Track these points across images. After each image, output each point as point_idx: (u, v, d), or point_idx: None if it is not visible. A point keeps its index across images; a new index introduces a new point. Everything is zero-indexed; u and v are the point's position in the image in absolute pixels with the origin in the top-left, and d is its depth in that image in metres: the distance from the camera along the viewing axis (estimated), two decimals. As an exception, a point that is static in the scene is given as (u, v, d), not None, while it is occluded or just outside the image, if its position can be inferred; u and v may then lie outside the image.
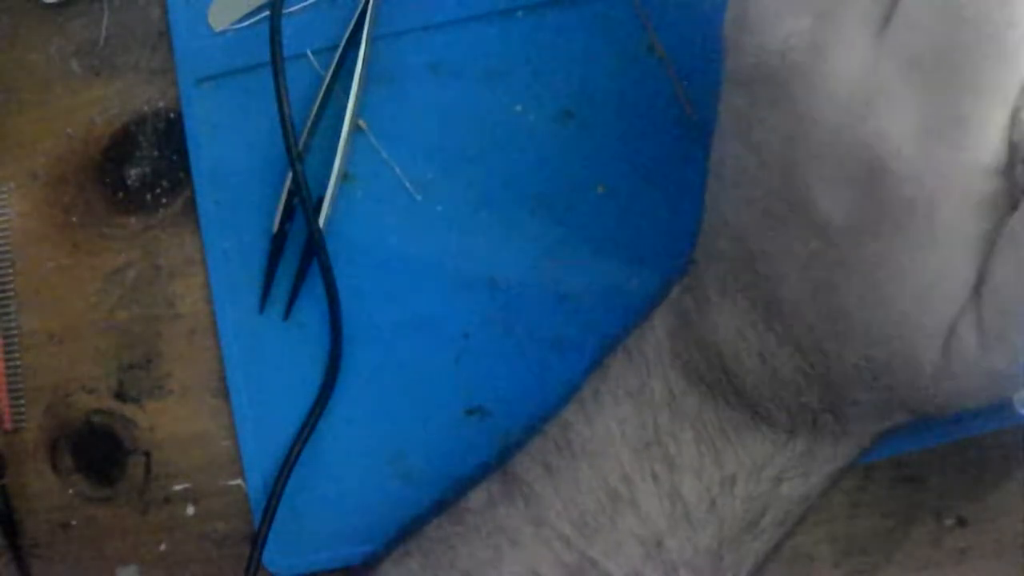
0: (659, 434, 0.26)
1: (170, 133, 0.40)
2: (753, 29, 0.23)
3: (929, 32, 0.20)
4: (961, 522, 0.34)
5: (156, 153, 0.40)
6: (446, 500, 0.30)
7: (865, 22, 0.21)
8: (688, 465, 0.26)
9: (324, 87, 0.37)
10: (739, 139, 0.24)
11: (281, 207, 0.37)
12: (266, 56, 0.35)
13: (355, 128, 0.37)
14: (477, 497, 0.29)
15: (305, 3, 0.39)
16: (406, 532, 0.31)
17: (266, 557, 0.36)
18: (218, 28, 0.39)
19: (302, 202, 0.35)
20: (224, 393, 0.38)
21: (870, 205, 0.21)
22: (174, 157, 0.39)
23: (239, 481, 0.38)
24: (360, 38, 0.37)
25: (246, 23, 0.39)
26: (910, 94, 0.20)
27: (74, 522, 0.39)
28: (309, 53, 0.38)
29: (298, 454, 0.36)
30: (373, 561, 0.31)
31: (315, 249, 0.36)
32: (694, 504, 0.26)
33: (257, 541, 0.34)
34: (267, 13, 0.36)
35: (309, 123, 0.37)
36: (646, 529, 0.26)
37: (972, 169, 0.20)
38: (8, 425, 0.39)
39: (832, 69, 0.21)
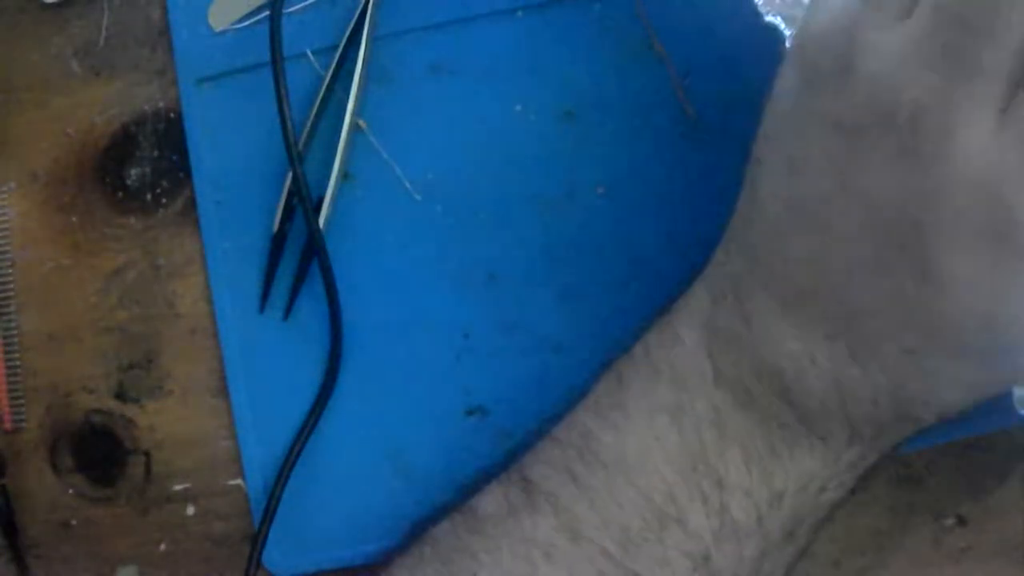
0: (705, 453, 0.26)
1: (170, 133, 0.40)
2: (869, 71, 0.22)
3: None
4: (961, 522, 0.34)
5: (156, 153, 0.40)
6: (451, 502, 0.30)
7: (992, 99, 0.21)
8: (737, 485, 0.26)
9: (324, 87, 0.37)
10: (832, 180, 0.23)
11: (281, 207, 0.37)
12: (266, 56, 0.35)
13: (355, 128, 0.37)
14: (494, 504, 0.29)
15: (305, 3, 0.39)
16: (412, 535, 0.30)
17: (266, 557, 0.36)
18: (218, 28, 0.39)
19: (302, 202, 0.35)
20: (224, 393, 0.38)
21: (996, 264, 0.22)
22: (174, 157, 0.39)
23: (239, 481, 0.38)
24: (360, 38, 0.37)
25: (246, 23, 0.39)
26: None
27: (74, 522, 0.39)
28: (309, 53, 0.38)
29: (298, 454, 0.36)
30: (380, 563, 0.31)
31: (315, 249, 0.36)
32: (742, 521, 0.26)
33: (257, 541, 0.34)
34: (267, 13, 0.36)
35: (309, 123, 0.37)
36: (694, 545, 0.26)
37: None
38: (8, 425, 0.39)
39: (965, 139, 0.21)
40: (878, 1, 0.23)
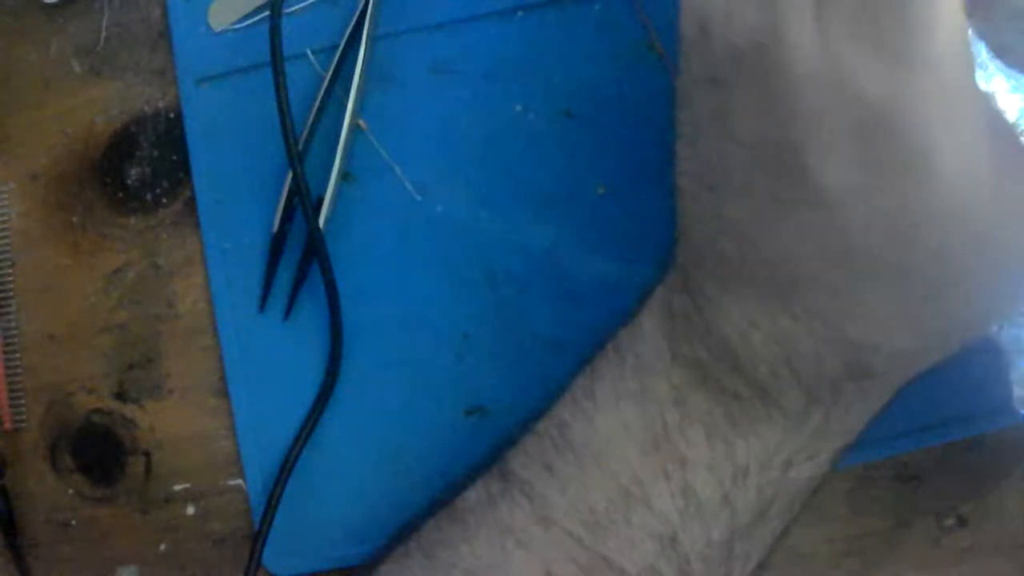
0: (668, 432, 0.27)
1: (170, 133, 0.40)
2: (716, 30, 0.24)
3: None
4: (961, 522, 0.34)
5: (156, 153, 0.40)
6: (440, 499, 0.31)
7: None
8: (700, 461, 0.26)
9: (324, 87, 0.37)
10: (721, 136, 0.24)
11: (281, 207, 0.37)
12: (266, 56, 0.35)
13: (355, 128, 0.37)
14: (475, 496, 0.29)
15: (305, 3, 0.39)
16: (402, 531, 0.31)
17: (266, 557, 0.36)
18: (218, 28, 0.39)
19: (302, 202, 0.35)
20: (224, 393, 0.38)
21: (869, 162, 0.22)
22: (174, 157, 0.40)
23: (239, 481, 0.38)
24: (360, 38, 0.37)
25: (246, 23, 0.39)
26: (865, 47, 0.21)
27: (74, 522, 0.39)
28: (309, 53, 0.38)
29: (298, 454, 0.36)
30: (372, 562, 0.31)
31: (315, 249, 0.36)
32: (707, 498, 0.26)
33: (257, 541, 0.34)
34: (267, 13, 0.36)
35: (309, 123, 0.37)
36: (660, 525, 0.26)
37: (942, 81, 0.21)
38: (8, 425, 0.39)
39: (795, 45, 0.22)
40: None
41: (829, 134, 0.22)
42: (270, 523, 0.35)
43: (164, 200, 0.40)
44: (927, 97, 0.21)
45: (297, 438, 0.36)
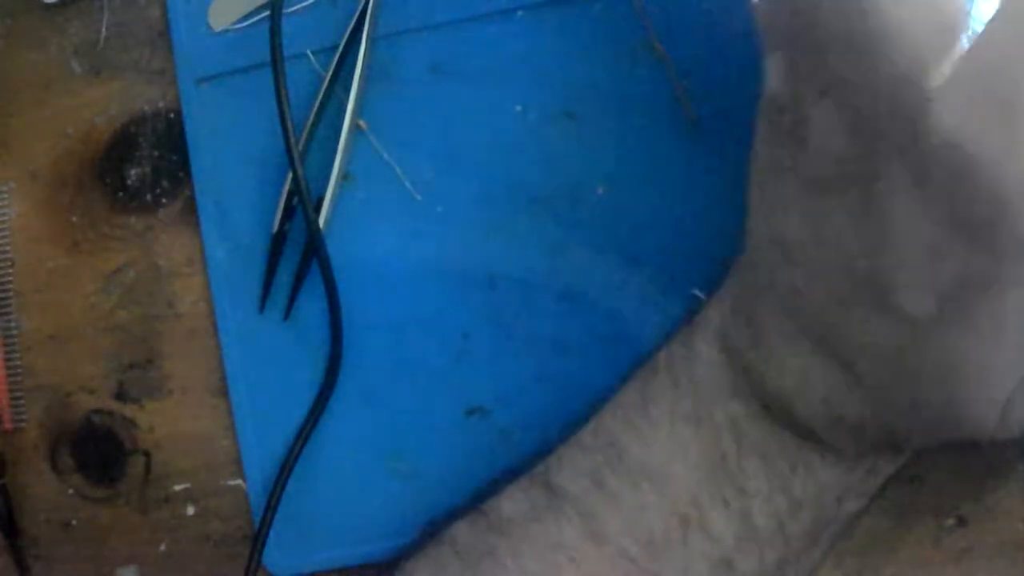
0: (726, 462, 0.27)
1: (170, 133, 0.40)
2: (819, 129, 0.24)
3: None
4: (961, 522, 0.34)
5: (156, 153, 0.40)
6: (463, 504, 0.30)
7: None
8: (757, 492, 0.27)
9: (324, 87, 0.37)
10: (804, 229, 0.25)
11: (281, 207, 0.37)
12: (266, 56, 0.35)
13: (355, 128, 0.37)
14: (515, 507, 0.29)
15: (305, 3, 0.39)
16: (430, 535, 0.31)
17: (266, 557, 0.36)
18: (218, 28, 0.39)
19: (302, 202, 0.35)
20: (224, 393, 0.38)
21: (953, 304, 0.23)
22: (174, 157, 0.39)
23: (239, 481, 0.38)
24: (360, 38, 0.37)
25: (246, 23, 0.39)
26: None
27: (74, 522, 0.39)
28: (309, 53, 0.38)
29: (298, 454, 0.36)
30: (386, 562, 0.31)
31: (315, 249, 0.36)
32: (763, 526, 0.27)
33: (257, 541, 0.34)
34: (267, 13, 0.36)
35: (309, 123, 0.37)
36: (716, 549, 0.27)
37: None
38: (8, 425, 0.39)
39: (896, 199, 0.23)
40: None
41: (916, 277, 0.23)
42: (270, 523, 0.35)
43: (164, 200, 0.40)
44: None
45: (297, 438, 0.36)
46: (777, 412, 0.27)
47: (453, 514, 0.30)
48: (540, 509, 0.29)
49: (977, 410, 0.24)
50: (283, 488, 0.35)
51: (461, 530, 0.30)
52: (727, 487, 0.27)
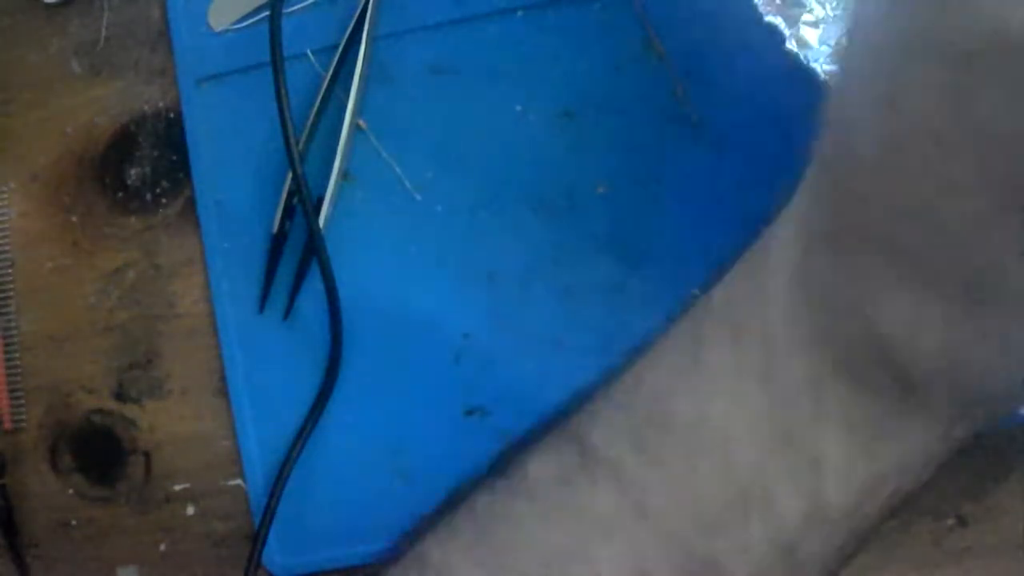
0: (801, 427, 0.23)
1: (170, 133, 0.40)
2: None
3: None
4: (961, 522, 0.34)
5: (156, 153, 0.40)
6: (494, 465, 0.27)
7: None
8: (835, 465, 0.23)
9: (324, 87, 0.37)
10: (941, 116, 0.19)
11: (281, 207, 0.37)
12: (266, 56, 0.35)
13: (355, 128, 0.37)
14: (543, 469, 0.25)
15: (305, 3, 0.39)
16: (449, 504, 0.27)
17: (266, 557, 0.36)
18: (218, 28, 0.39)
19: (302, 202, 0.35)
20: (224, 393, 0.38)
21: None
22: (174, 157, 0.39)
23: (239, 481, 0.38)
24: (360, 38, 0.37)
25: (246, 23, 0.39)
26: None
27: (74, 522, 0.39)
28: (309, 53, 0.38)
29: (298, 454, 0.36)
30: (414, 535, 0.28)
31: (315, 249, 0.36)
32: (835, 507, 0.23)
33: (257, 541, 0.34)
34: (267, 13, 0.36)
35: (309, 123, 0.37)
36: (780, 531, 0.23)
37: None
38: (8, 425, 0.39)
39: None
40: None
41: None
42: (270, 523, 0.35)
43: (164, 200, 0.40)
44: None
45: (296, 438, 0.36)
46: (869, 365, 0.22)
47: (475, 483, 0.27)
48: (570, 471, 0.24)
49: None
50: (283, 488, 0.35)
51: (480, 493, 0.26)
52: (799, 457, 0.23)
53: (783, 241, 0.23)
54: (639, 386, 0.25)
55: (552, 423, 0.26)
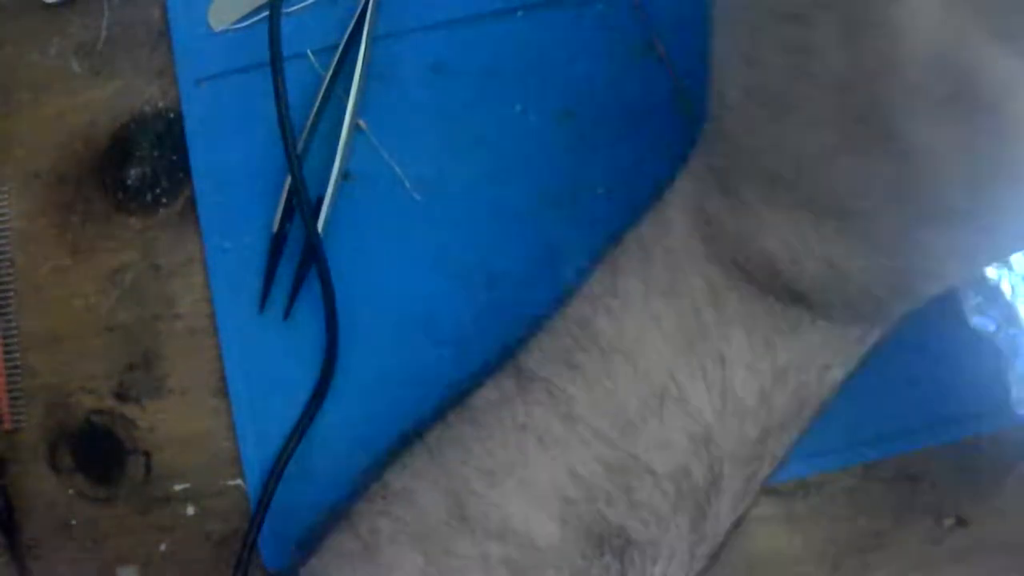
0: (705, 331, 0.25)
1: (170, 133, 0.40)
2: None
3: None
4: (961, 522, 0.34)
5: (156, 153, 0.40)
6: (447, 404, 0.29)
7: None
8: (739, 361, 0.25)
9: (324, 87, 0.37)
10: (791, 68, 0.22)
11: (281, 207, 0.37)
12: (266, 56, 0.35)
13: (355, 128, 0.37)
14: (486, 395, 0.28)
15: (305, 3, 0.39)
16: (408, 437, 0.30)
17: (266, 557, 0.36)
18: (218, 28, 0.39)
19: (300, 209, 0.35)
20: (224, 393, 0.38)
21: (961, 129, 0.21)
22: (174, 157, 0.40)
23: (239, 481, 0.38)
24: (360, 38, 0.37)
25: (246, 23, 0.39)
26: (986, 32, 0.19)
27: (74, 522, 0.39)
28: (309, 53, 0.38)
29: (290, 455, 0.36)
30: (377, 469, 0.30)
31: (313, 254, 0.36)
32: (745, 397, 0.25)
33: (247, 539, 0.34)
34: (267, 13, 0.36)
35: (309, 123, 0.37)
36: (695, 424, 0.26)
37: None
38: (8, 425, 0.39)
39: (910, 8, 0.20)
40: None
41: (925, 99, 0.21)
42: (261, 522, 0.35)
43: (164, 200, 0.40)
44: None
45: (289, 439, 0.36)
46: (761, 277, 0.25)
47: (434, 417, 0.29)
48: (508, 394, 0.27)
49: (933, 282, 0.24)
50: (275, 488, 0.35)
51: (434, 427, 0.29)
52: (706, 358, 0.25)
53: (684, 185, 0.27)
54: (568, 318, 0.27)
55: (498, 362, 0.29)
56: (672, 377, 0.26)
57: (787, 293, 0.25)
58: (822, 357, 0.26)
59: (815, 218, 0.24)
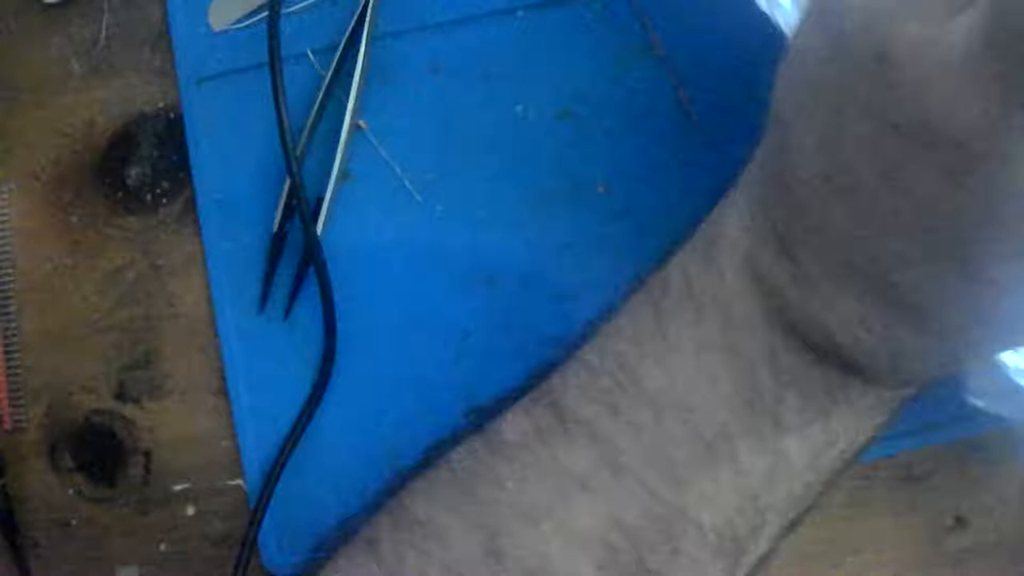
0: (761, 394, 0.25)
1: (170, 133, 0.40)
2: (910, 75, 0.20)
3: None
4: (961, 522, 0.34)
5: (156, 153, 0.40)
6: (466, 429, 0.29)
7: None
8: (794, 426, 0.25)
9: (324, 87, 0.37)
10: (871, 170, 0.22)
11: (281, 207, 0.37)
12: (266, 56, 0.35)
13: (355, 128, 0.37)
14: (518, 429, 0.27)
15: (305, 3, 0.39)
16: (426, 461, 0.29)
17: (265, 557, 0.36)
18: (218, 28, 0.39)
19: (300, 211, 0.35)
20: (224, 393, 0.38)
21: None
22: (174, 157, 0.40)
23: (239, 481, 0.38)
24: (360, 38, 0.37)
25: (246, 23, 0.39)
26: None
27: (74, 522, 0.39)
28: (309, 53, 0.38)
29: (288, 456, 0.36)
30: (392, 488, 0.29)
31: (312, 256, 0.36)
32: (795, 461, 0.25)
33: (246, 540, 0.34)
34: (266, 13, 0.36)
35: (309, 123, 0.37)
36: (744, 483, 0.25)
37: None
38: (8, 425, 0.39)
39: (1020, 171, 0.19)
40: None
41: (1013, 243, 0.20)
42: (259, 522, 0.35)
43: (164, 200, 0.40)
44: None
45: (287, 439, 0.36)
46: (819, 345, 0.24)
47: (454, 440, 0.29)
48: (547, 432, 0.26)
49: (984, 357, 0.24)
50: (274, 488, 0.35)
51: (459, 454, 0.28)
52: (761, 420, 0.25)
53: (735, 226, 0.25)
54: (606, 354, 0.27)
55: (525, 386, 0.28)
56: (725, 436, 0.25)
57: (841, 361, 0.25)
58: (868, 423, 0.26)
59: (884, 304, 0.23)
